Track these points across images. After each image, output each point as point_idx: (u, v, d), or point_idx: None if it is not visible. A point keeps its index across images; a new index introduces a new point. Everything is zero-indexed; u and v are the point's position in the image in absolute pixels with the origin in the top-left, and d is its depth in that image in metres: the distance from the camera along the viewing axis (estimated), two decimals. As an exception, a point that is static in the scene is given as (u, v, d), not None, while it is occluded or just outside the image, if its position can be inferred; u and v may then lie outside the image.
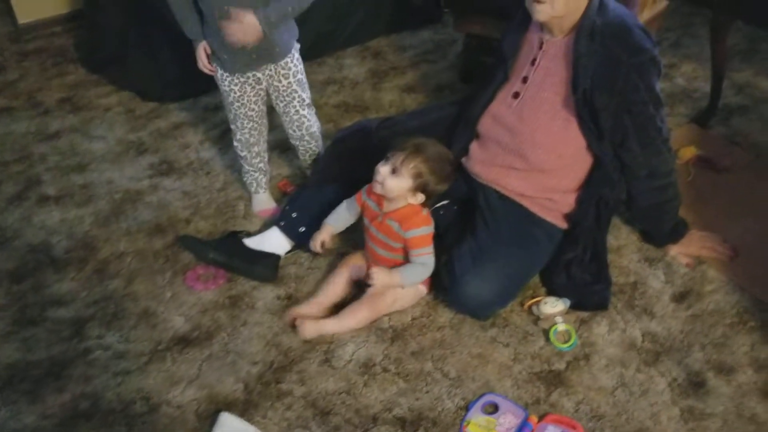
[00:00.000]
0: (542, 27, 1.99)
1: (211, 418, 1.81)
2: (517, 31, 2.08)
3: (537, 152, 2.03)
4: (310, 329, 1.98)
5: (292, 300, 2.13)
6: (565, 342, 1.96)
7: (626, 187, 2.08)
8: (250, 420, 1.80)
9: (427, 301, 2.10)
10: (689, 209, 2.28)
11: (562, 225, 2.10)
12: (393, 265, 2.03)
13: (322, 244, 2.11)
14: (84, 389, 1.90)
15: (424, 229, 1.97)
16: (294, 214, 2.22)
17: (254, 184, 2.44)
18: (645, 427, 1.77)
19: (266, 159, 2.42)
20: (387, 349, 1.97)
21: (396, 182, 1.91)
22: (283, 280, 2.19)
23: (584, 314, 2.05)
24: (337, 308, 2.07)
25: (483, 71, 2.26)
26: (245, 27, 1.95)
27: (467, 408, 1.82)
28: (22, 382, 1.93)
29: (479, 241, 2.02)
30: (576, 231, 2.08)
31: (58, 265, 2.29)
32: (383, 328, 2.03)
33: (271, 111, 2.34)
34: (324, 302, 2.07)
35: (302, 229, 2.20)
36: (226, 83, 2.17)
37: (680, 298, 2.09)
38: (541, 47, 2.00)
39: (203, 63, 2.15)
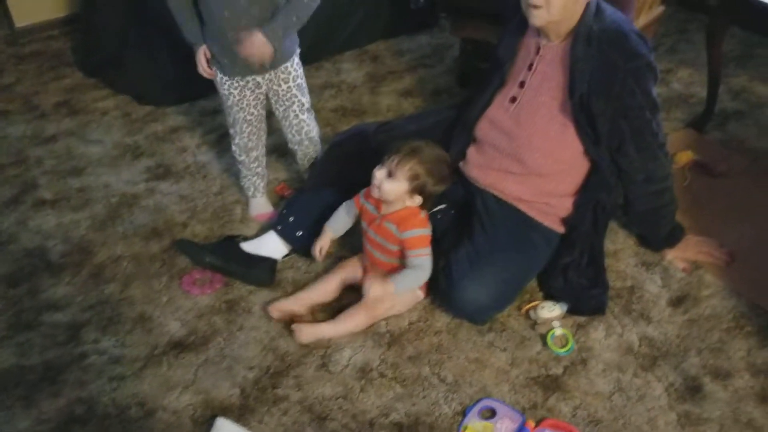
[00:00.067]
0: (539, 32, 1.99)
1: (207, 423, 1.81)
2: (513, 36, 2.08)
3: (534, 156, 2.03)
4: (306, 333, 1.98)
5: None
6: (563, 346, 1.96)
7: (623, 191, 2.08)
8: (246, 425, 1.80)
9: (424, 306, 2.10)
10: (686, 214, 2.28)
11: (560, 229, 2.11)
12: (389, 269, 2.03)
13: (321, 250, 2.11)
14: (79, 394, 1.89)
15: (421, 231, 1.97)
16: (291, 218, 2.22)
17: (251, 188, 2.44)
18: (642, 432, 1.77)
19: (264, 163, 2.42)
20: (384, 353, 1.97)
21: (392, 185, 1.91)
22: (279, 284, 2.19)
23: (581, 319, 2.04)
24: (321, 309, 2.07)
25: (480, 76, 2.26)
26: (257, 47, 1.98)
27: (464, 413, 1.81)
28: (17, 387, 1.92)
29: (476, 246, 2.02)
30: (573, 235, 2.08)
31: (54, 269, 2.28)
32: (380, 333, 2.02)
33: (269, 115, 2.34)
34: (308, 300, 2.07)
35: (299, 233, 2.20)
36: (226, 87, 2.17)
37: (677, 302, 2.09)
38: (538, 52, 2.01)
39: (203, 67, 2.15)
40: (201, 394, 1.88)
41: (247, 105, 2.21)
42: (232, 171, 2.61)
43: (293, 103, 2.25)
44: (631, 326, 2.02)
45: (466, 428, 1.77)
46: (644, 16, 2.74)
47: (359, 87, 3.19)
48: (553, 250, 2.09)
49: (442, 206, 2.17)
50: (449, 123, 2.25)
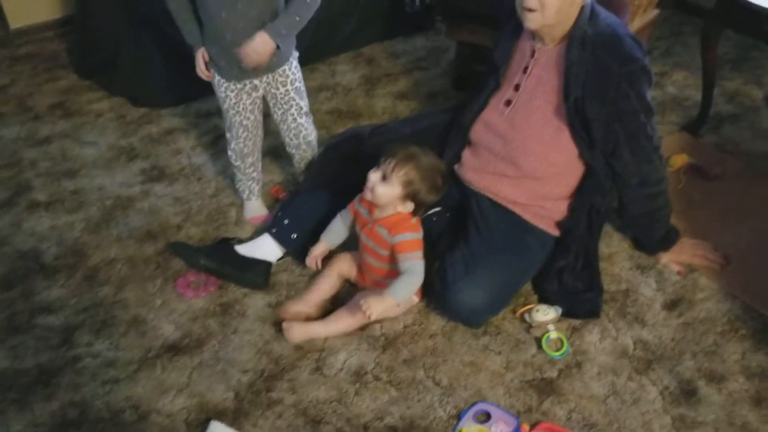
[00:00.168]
0: (534, 35, 2.00)
1: (201, 426, 1.80)
2: (509, 39, 2.08)
3: (529, 160, 2.03)
4: (297, 332, 1.97)
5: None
6: (557, 350, 1.96)
7: (618, 195, 2.08)
8: (240, 429, 1.79)
9: (419, 309, 2.10)
10: (680, 217, 2.29)
11: (554, 232, 2.11)
12: (381, 275, 2.03)
13: (317, 261, 2.11)
14: (73, 397, 1.88)
15: (411, 235, 1.95)
16: (286, 221, 2.21)
17: (246, 192, 2.43)
18: (637, 436, 1.77)
19: (259, 168, 2.42)
20: (378, 357, 1.97)
21: (386, 189, 1.91)
22: (274, 287, 2.19)
23: (576, 322, 2.04)
24: (327, 305, 2.07)
25: (475, 79, 2.26)
26: (259, 45, 1.97)
27: (459, 416, 1.81)
28: (10, 390, 1.91)
29: (472, 248, 2.02)
30: (568, 238, 2.08)
31: (48, 271, 2.28)
32: (375, 336, 2.02)
33: (265, 117, 2.33)
34: (314, 299, 2.07)
35: (294, 235, 2.19)
36: (222, 90, 2.16)
37: (672, 305, 2.09)
38: (533, 55, 2.01)
39: (201, 69, 2.14)
40: (195, 398, 1.88)
41: (243, 109, 2.21)
42: (227, 173, 2.61)
43: (291, 106, 2.24)
44: (625, 329, 2.03)
45: (460, 432, 1.77)
46: (639, 20, 2.74)
47: (354, 89, 3.19)
48: (548, 254, 2.09)
49: (438, 209, 2.17)
50: (444, 126, 2.25)
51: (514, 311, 2.08)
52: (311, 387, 1.89)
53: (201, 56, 2.12)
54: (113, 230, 2.43)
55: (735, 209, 2.41)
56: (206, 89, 2.25)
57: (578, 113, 1.94)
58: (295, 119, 2.28)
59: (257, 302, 2.14)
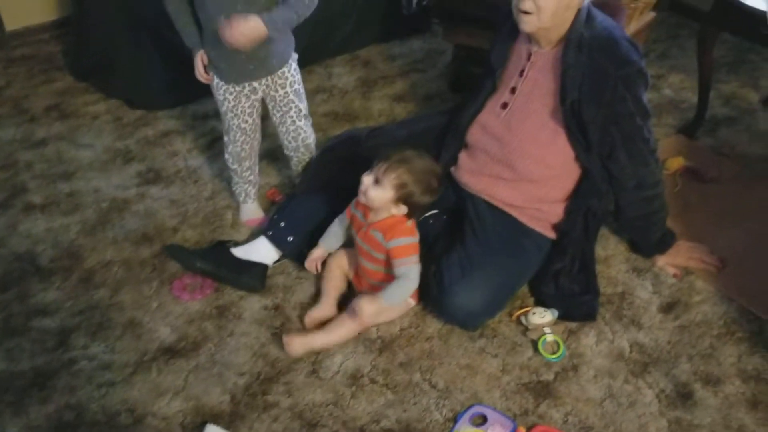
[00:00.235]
0: (530, 38, 2.00)
1: (197, 430, 1.80)
2: (505, 42, 2.08)
3: (525, 162, 2.03)
4: (298, 345, 1.95)
5: (279, 310, 2.11)
6: (554, 353, 1.96)
7: (614, 197, 2.09)
8: (236, 432, 1.79)
9: (415, 312, 2.10)
10: (676, 220, 2.29)
11: (551, 235, 2.11)
12: (376, 278, 2.03)
13: (316, 265, 2.12)
14: (68, 400, 1.88)
15: (406, 239, 1.95)
16: (282, 224, 2.21)
17: (243, 194, 2.43)
18: (633, 439, 1.77)
19: (256, 171, 2.41)
20: (375, 360, 1.96)
21: (378, 192, 1.90)
22: (270, 290, 2.18)
23: (572, 325, 2.05)
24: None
25: (472, 81, 2.26)
26: (248, 29, 1.90)
27: (455, 419, 1.81)
28: (6, 393, 1.90)
29: (468, 251, 2.02)
30: (564, 241, 2.08)
31: (43, 274, 2.27)
32: (371, 339, 2.02)
33: (262, 120, 2.32)
34: (331, 300, 2.07)
35: (290, 238, 2.19)
36: (221, 92, 2.16)
37: (668, 308, 2.10)
38: (529, 58, 2.01)
39: (200, 72, 2.14)
40: (191, 401, 1.87)
41: (241, 112, 2.20)
42: (224, 176, 2.60)
43: (290, 108, 2.24)
44: (622, 332, 2.03)
45: (457, 435, 1.77)
46: (635, 23, 2.75)
47: (351, 92, 3.19)
48: (545, 256, 2.09)
49: (434, 211, 2.17)
50: (441, 128, 2.25)
51: (510, 314, 2.08)
52: (307, 390, 1.89)
53: (200, 59, 2.12)
54: (109, 233, 2.43)
55: (731, 212, 2.41)
56: (203, 92, 2.25)
57: (575, 116, 1.94)
58: (294, 122, 2.27)
59: (253, 305, 2.13)
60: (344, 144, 2.32)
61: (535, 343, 1.98)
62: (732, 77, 3.20)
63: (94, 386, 1.91)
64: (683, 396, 1.85)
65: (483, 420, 1.80)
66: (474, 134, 2.14)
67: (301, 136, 2.32)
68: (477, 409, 1.83)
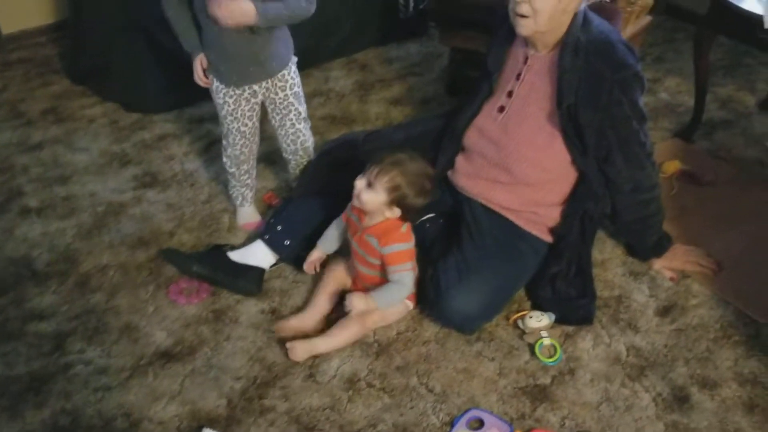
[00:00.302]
0: (527, 42, 2.00)
1: (194, 434, 1.80)
2: (502, 46, 2.08)
3: (522, 166, 2.03)
4: (301, 351, 1.94)
5: (276, 314, 2.11)
6: (550, 356, 1.96)
7: (611, 201, 2.09)
8: (232, 436, 1.79)
9: (412, 316, 2.09)
10: (673, 223, 2.29)
11: (547, 239, 2.11)
12: (372, 283, 2.02)
13: (315, 267, 2.11)
14: (64, 405, 1.87)
15: (401, 246, 1.94)
16: (279, 228, 2.21)
17: (239, 198, 2.43)
18: (630, 443, 1.77)
19: (254, 175, 2.41)
20: (372, 363, 1.96)
21: (371, 196, 1.90)
22: (267, 293, 2.18)
23: (569, 328, 2.04)
24: (324, 321, 2.05)
25: (469, 84, 2.27)
26: (237, 12, 1.88)
27: (452, 423, 1.81)
28: (1, 397, 1.89)
29: (465, 255, 2.02)
30: (561, 245, 2.08)
31: (39, 278, 2.26)
32: (368, 343, 2.02)
33: (260, 123, 2.32)
34: (316, 315, 2.05)
35: (287, 242, 2.19)
36: (221, 96, 2.15)
37: (664, 312, 2.10)
38: (525, 62, 2.01)
39: (199, 75, 2.13)
40: (187, 405, 1.87)
41: (241, 115, 2.20)
42: (220, 179, 2.60)
43: (290, 111, 2.24)
44: (618, 336, 2.03)
45: (453, 439, 1.77)
46: (632, 26, 2.76)
47: (348, 95, 3.19)
48: (541, 260, 2.10)
49: (431, 215, 2.17)
50: (438, 132, 2.25)
51: (507, 318, 2.07)
52: (304, 394, 1.88)
53: (199, 62, 2.11)
54: (105, 237, 2.42)
55: (727, 215, 2.41)
56: (199, 95, 2.24)
57: (571, 120, 1.94)
58: (293, 124, 2.27)
59: (250, 309, 2.13)
60: (341, 148, 2.32)
61: (532, 347, 1.98)
62: (728, 80, 3.21)
63: (90, 391, 1.91)
64: (680, 400, 1.85)
65: (480, 424, 1.80)
66: (471, 138, 2.14)
67: (300, 139, 2.32)
68: (474, 413, 1.82)
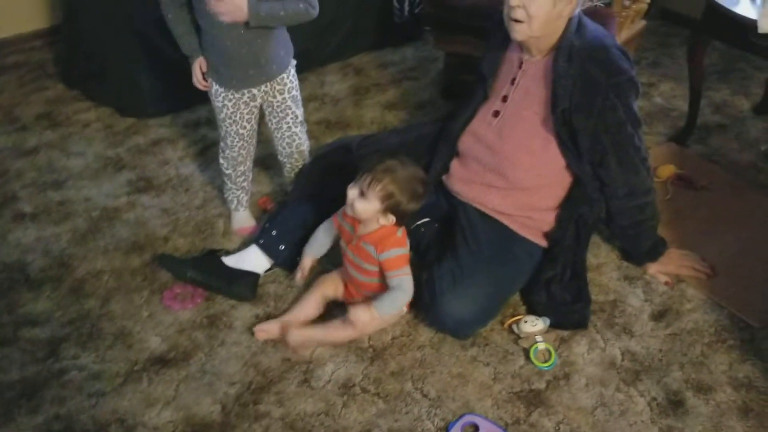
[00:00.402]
0: (522, 47, 2.00)
1: (188, 440, 1.79)
2: (496, 51, 2.09)
3: (516, 171, 2.03)
4: (297, 335, 1.95)
5: (270, 319, 2.10)
6: (545, 361, 1.96)
7: (605, 205, 2.09)
8: (227, 442, 1.78)
9: (407, 321, 2.09)
10: (668, 227, 2.29)
11: (542, 243, 2.11)
12: (369, 289, 2.02)
13: (303, 275, 2.11)
14: (58, 411, 1.86)
15: (397, 251, 1.94)
16: (274, 232, 2.20)
17: (235, 202, 2.42)
18: (625, 448, 1.77)
19: (250, 178, 2.40)
20: (366, 368, 1.96)
21: (364, 205, 1.88)
22: (261, 298, 2.17)
23: (564, 333, 2.04)
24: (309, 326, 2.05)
25: (464, 89, 2.27)
26: (232, 6, 1.88)
27: (447, 429, 1.80)
28: (-5, 404, 1.89)
29: (460, 260, 2.02)
30: (555, 249, 2.08)
31: (33, 283, 2.26)
32: (363, 348, 2.01)
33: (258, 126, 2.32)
34: (294, 320, 2.03)
35: (282, 247, 2.18)
36: (220, 99, 2.15)
37: (659, 316, 2.10)
38: (520, 67, 2.02)
39: (198, 79, 2.13)
40: (182, 411, 1.86)
41: (240, 118, 2.19)
42: (215, 184, 2.60)
43: (287, 114, 2.24)
44: (613, 340, 2.03)
45: (448, 444, 1.77)
46: (626, 31, 2.76)
47: (343, 99, 3.19)
48: (536, 264, 2.09)
49: (426, 220, 2.17)
50: (433, 137, 2.25)
51: (502, 322, 2.07)
52: (299, 399, 1.88)
53: (198, 66, 2.11)
54: (100, 242, 2.42)
55: (722, 220, 2.42)
56: (194, 99, 2.24)
57: (566, 124, 1.95)
58: (290, 128, 2.27)
59: (245, 314, 2.12)
60: (336, 152, 2.31)
61: (526, 352, 1.98)
62: (722, 85, 3.22)
63: (84, 396, 1.90)
64: (675, 404, 1.85)
65: (474, 429, 1.80)
66: (465, 142, 2.14)
67: (296, 142, 2.32)
68: (468, 418, 1.82)
